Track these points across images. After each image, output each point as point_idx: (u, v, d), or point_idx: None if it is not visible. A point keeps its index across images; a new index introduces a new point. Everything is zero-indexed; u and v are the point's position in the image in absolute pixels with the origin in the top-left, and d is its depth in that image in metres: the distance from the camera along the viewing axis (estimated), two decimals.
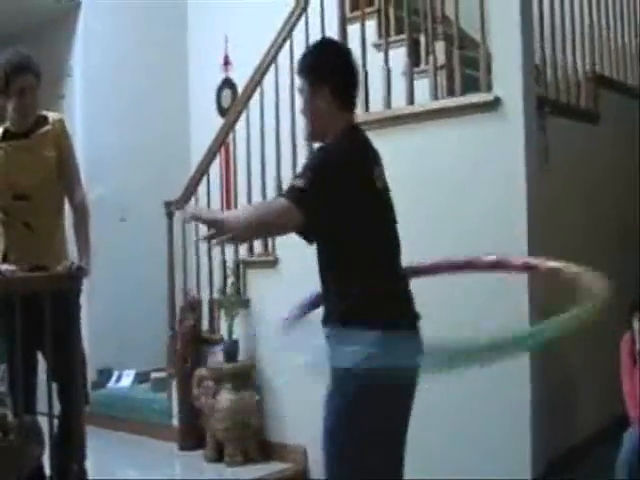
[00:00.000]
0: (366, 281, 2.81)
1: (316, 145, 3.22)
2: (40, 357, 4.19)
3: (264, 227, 2.94)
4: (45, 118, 4.33)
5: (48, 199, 4.28)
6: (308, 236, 2.94)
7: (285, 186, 5.45)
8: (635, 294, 4.17)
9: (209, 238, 2.91)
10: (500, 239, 4.29)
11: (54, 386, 4.02)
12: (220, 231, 2.82)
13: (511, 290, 4.14)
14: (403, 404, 2.97)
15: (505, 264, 3.24)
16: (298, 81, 3.09)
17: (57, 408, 4.08)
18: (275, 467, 5.32)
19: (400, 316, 2.91)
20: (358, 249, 2.88)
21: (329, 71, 3.04)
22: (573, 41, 5.21)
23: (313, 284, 3.02)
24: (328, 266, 2.96)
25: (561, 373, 4.68)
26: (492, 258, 3.22)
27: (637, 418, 4.01)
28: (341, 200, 2.81)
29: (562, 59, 5.06)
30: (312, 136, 3.13)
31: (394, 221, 3.05)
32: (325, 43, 3.47)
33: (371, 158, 3.01)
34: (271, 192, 5.61)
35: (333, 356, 2.75)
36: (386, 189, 3.02)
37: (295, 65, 3.22)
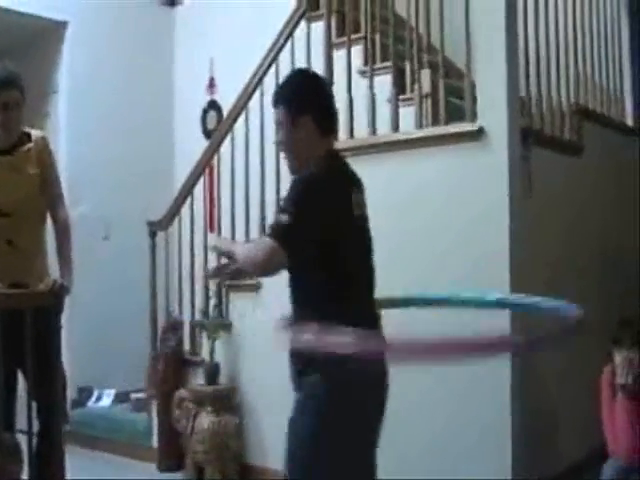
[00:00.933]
0: (340, 310, 2.82)
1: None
2: (20, 375, 4.19)
3: (260, 268, 2.94)
4: (28, 135, 4.33)
5: (30, 216, 4.28)
6: (290, 269, 2.96)
7: (268, 210, 5.56)
8: (616, 327, 4.19)
9: (216, 273, 2.96)
10: (482, 268, 4.31)
11: (33, 404, 4.01)
12: (232, 265, 2.88)
13: None
14: (374, 415, 3.00)
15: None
16: (276, 114, 3.09)
17: (36, 426, 4.07)
18: None
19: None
20: (334, 278, 2.91)
21: (310, 99, 3.08)
22: (558, 74, 5.25)
23: None
24: (301, 296, 2.99)
25: (542, 403, 4.70)
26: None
27: (616, 450, 4.03)
28: (321, 231, 2.85)
29: (547, 91, 5.09)
30: (296, 169, 3.10)
31: (370, 249, 3.07)
32: (300, 73, 3.50)
33: (349, 185, 3.02)
34: (255, 214, 5.65)
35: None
36: (363, 217, 3.05)
37: (274, 96, 3.19)
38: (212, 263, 5.71)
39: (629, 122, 6.19)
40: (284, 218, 2.83)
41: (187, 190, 6.12)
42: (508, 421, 4.25)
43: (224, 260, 3.00)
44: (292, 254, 2.80)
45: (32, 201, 4.27)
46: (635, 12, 6.16)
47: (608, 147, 5.63)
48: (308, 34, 5.56)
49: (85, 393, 6.92)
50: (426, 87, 4.94)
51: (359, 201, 3.02)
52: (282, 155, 3.20)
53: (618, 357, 4.03)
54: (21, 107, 4.21)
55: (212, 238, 5.20)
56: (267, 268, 2.90)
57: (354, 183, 3.06)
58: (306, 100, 3.06)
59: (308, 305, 2.94)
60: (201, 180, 6.16)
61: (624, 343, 4.02)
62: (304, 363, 2.93)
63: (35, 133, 4.39)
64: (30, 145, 4.30)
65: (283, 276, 3.01)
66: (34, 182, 4.27)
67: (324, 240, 2.86)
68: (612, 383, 4.07)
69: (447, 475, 4.34)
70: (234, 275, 2.96)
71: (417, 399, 4.34)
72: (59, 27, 7.17)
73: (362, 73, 5.37)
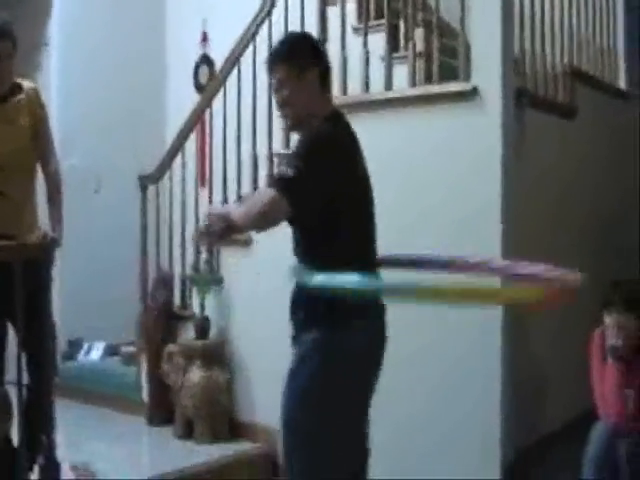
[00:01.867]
0: (343, 267, 2.82)
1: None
2: (10, 327, 4.20)
3: (258, 219, 2.90)
4: (19, 86, 4.33)
5: (21, 168, 4.28)
6: (292, 222, 2.97)
7: (261, 163, 5.55)
8: (607, 289, 4.20)
9: (204, 234, 2.96)
10: (474, 229, 4.32)
11: (23, 356, 4.02)
12: (225, 225, 2.88)
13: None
14: (371, 371, 3.06)
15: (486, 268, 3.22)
16: (278, 72, 3.07)
17: (26, 378, 4.09)
18: (245, 446, 5.34)
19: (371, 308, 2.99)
20: (338, 236, 2.93)
21: (314, 54, 3.12)
22: (552, 36, 5.22)
23: (286, 265, 3.05)
24: (305, 251, 3.00)
25: (532, 365, 4.73)
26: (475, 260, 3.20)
27: (604, 413, 4.05)
28: (327, 188, 2.86)
29: (541, 51, 5.07)
30: (296, 124, 3.11)
31: (372, 208, 3.10)
32: (296, 34, 3.53)
33: (354, 146, 3.06)
34: (247, 168, 5.64)
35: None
36: (366, 176, 3.07)
37: (273, 55, 3.19)
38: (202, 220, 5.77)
39: (622, 85, 6.18)
40: (289, 171, 2.84)
41: (178, 144, 6.09)
42: (498, 385, 4.27)
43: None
44: (294, 206, 2.80)
45: (23, 152, 4.27)
46: None
47: (602, 110, 5.62)
48: None
49: (75, 345, 6.94)
50: (420, 45, 4.92)
51: (363, 163, 3.05)
52: (280, 113, 3.18)
53: (609, 319, 4.04)
54: (13, 58, 4.20)
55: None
56: (267, 217, 2.87)
57: (358, 145, 3.08)
58: (311, 55, 3.09)
59: (314, 265, 2.92)
60: (193, 134, 6.13)
61: (615, 306, 4.03)
62: (305, 315, 2.96)
63: (27, 84, 4.38)
64: (22, 96, 4.30)
65: (274, 232, 3.01)
66: (25, 133, 4.27)
67: (329, 198, 2.87)
68: (602, 346, 4.08)
69: (437, 444, 4.40)
70: (223, 234, 2.95)
71: (406, 368, 4.36)
72: None
73: (356, 30, 5.35)
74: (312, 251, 2.99)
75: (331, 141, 2.94)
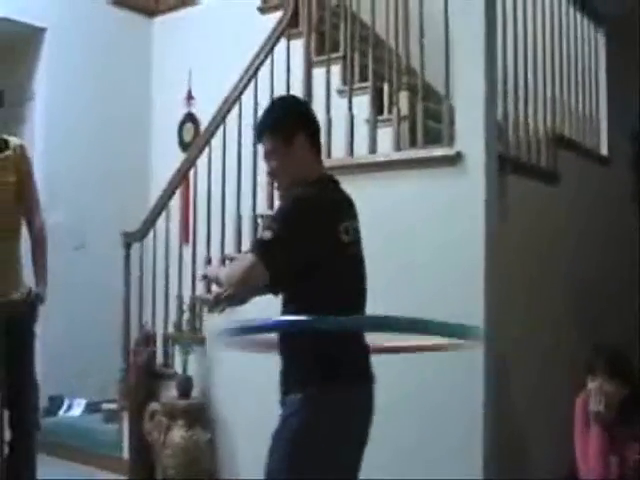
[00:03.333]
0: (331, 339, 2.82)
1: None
2: None
3: (239, 284, 2.90)
4: (6, 142, 4.33)
5: (6, 225, 4.27)
6: (274, 289, 2.98)
7: (244, 223, 5.58)
8: (590, 355, 4.21)
9: (216, 302, 2.98)
10: (455, 294, 4.33)
11: (5, 413, 4.00)
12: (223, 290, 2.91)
13: None
14: (354, 438, 3.00)
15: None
16: (265, 143, 3.08)
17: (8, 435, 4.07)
18: None
19: (358, 373, 2.98)
20: (322, 302, 2.89)
21: (300, 118, 3.11)
22: (535, 102, 5.26)
23: None
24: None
25: (514, 431, 4.71)
26: None
27: (588, 478, 4.04)
28: (304, 252, 2.86)
29: (524, 118, 5.10)
30: (286, 191, 3.10)
31: (361, 276, 3.10)
32: (282, 98, 3.53)
33: (338, 210, 3.02)
34: (230, 228, 5.66)
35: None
36: (355, 243, 3.05)
37: (260, 125, 3.20)
38: (187, 276, 5.77)
39: (604, 151, 6.25)
40: (266, 234, 2.86)
41: (163, 202, 6.11)
42: (479, 447, 4.27)
43: (215, 287, 3.02)
44: (272, 270, 2.81)
45: (8, 210, 4.27)
46: (612, 40, 6.21)
47: (584, 176, 5.65)
48: (288, 50, 5.57)
49: (56, 402, 6.90)
50: (404, 109, 4.96)
51: (349, 227, 3.00)
52: (274, 184, 3.20)
53: (591, 385, 4.05)
54: None
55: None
56: (246, 282, 2.87)
57: (344, 209, 3.06)
58: (297, 119, 3.09)
59: (300, 344, 2.92)
60: (177, 193, 6.15)
61: (598, 371, 4.04)
62: (291, 382, 2.96)
63: (13, 140, 4.38)
64: (8, 153, 4.30)
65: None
66: (11, 190, 4.27)
67: (308, 262, 2.86)
68: (585, 412, 4.08)
69: None
70: (229, 300, 2.97)
71: (387, 411, 4.35)
72: (37, 33, 7.17)
73: (341, 92, 5.39)
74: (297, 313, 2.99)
75: (309, 205, 2.92)
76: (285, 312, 3.01)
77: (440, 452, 4.38)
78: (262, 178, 4.98)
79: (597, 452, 3.99)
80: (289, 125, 3.05)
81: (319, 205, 2.95)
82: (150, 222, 6.13)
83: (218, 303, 2.99)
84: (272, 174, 3.14)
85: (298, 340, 2.91)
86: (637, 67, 6.27)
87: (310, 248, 2.86)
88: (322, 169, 3.15)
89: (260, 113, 3.32)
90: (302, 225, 2.87)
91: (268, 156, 3.09)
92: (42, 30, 7.16)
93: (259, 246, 2.87)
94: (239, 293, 3.01)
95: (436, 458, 4.39)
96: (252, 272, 2.82)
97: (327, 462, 2.89)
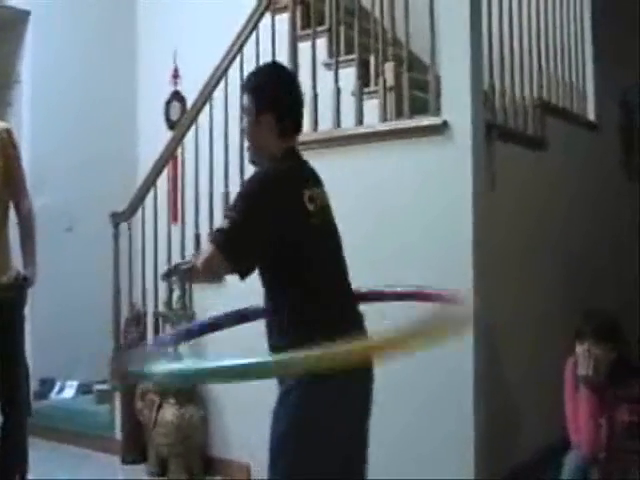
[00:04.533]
0: (315, 316, 2.82)
1: None
2: None
3: (204, 274, 2.93)
4: None
5: None
6: (242, 274, 2.90)
7: (232, 201, 5.54)
8: (579, 320, 4.23)
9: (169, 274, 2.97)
10: (444, 263, 4.33)
11: None
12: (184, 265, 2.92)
13: None
14: (355, 413, 2.99)
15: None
16: (244, 98, 3.10)
17: None
18: None
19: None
20: (297, 276, 2.89)
21: (273, 99, 3.05)
22: (521, 68, 5.26)
23: (258, 300, 3.05)
24: (274, 302, 2.98)
25: (505, 395, 4.72)
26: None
27: (577, 441, 4.07)
28: (266, 234, 2.84)
29: (510, 85, 5.10)
30: (255, 159, 3.11)
31: (336, 244, 3.07)
32: (273, 67, 3.47)
33: (301, 181, 2.99)
34: (218, 206, 5.63)
35: None
36: (324, 210, 3.03)
37: (244, 81, 3.23)
38: (176, 255, 5.75)
39: (591, 117, 6.23)
40: (224, 223, 2.85)
41: (151, 181, 6.08)
42: (471, 415, 4.27)
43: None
44: (232, 258, 2.80)
45: None
46: (598, 8, 6.19)
47: (572, 142, 5.66)
48: (273, 25, 5.53)
49: (47, 384, 6.90)
50: (390, 80, 4.93)
51: (314, 195, 2.97)
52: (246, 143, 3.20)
53: (580, 349, 4.07)
54: None
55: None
56: (205, 273, 2.90)
57: (307, 179, 3.03)
58: (270, 99, 3.04)
59: (282, 313, 2.92)
60: (165, 171, 6.13)
61: (586, 335, 4.07)
62: None
63: (0, 124, 4.37)
64: None
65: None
66: None
67: (278, 241, 2.84)
68: (575, 375, 4.11)
69: (410, 474, 4.36)
70: (185, 277, 2.97)
71: (379, 399, 4.35)
72: (21, 16, 7.14)
73: (327, 65, 5.36)
74: (278, 295, 2.98)
75: (270, 179, 2.91)
76: (265, 288, 3.00)
77: (433, 428, 4.40)
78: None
79: (587, 415, 4.01)
80: (261, 101, 3.03)
81: (280, 177, 2.94)
82: (138, 200, 6.11)
83: (170, 274, 3.02)
84: (243, 131, 3.14)
85: (289, 312, 2.90)
86: (623, 33, 6.27)
87: (274, 224, 2.83)
88: (290, 143, 3.09)
89: None
90: (264, 202, 2.85)
91: (243, 111, 3.12)
92: (26, 12, 7.14)
93: (217, 236, 2.86)
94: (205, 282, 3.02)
95: (428, 435, 4.41)
96: (212, 262, 2.81)
97: (328, 437, 2.86)
